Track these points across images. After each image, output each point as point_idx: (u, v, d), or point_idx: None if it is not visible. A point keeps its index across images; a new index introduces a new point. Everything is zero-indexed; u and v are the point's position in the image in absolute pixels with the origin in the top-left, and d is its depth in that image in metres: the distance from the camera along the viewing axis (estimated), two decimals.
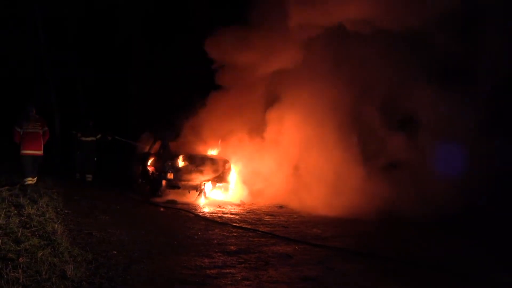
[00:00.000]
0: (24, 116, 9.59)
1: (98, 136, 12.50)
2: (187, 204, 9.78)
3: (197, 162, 10.68)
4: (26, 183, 9.43)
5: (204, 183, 10.44)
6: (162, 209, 9.12)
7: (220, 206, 9.75)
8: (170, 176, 10.37)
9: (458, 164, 8.90)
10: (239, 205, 10.10)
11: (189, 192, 10.49)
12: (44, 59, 16.35)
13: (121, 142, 13.26)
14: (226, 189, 11.02)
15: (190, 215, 8.51)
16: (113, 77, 18.96)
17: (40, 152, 9.64)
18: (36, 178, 9.78)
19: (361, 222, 8.53)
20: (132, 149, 13.39)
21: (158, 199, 10.04)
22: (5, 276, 3.98)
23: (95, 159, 12.47)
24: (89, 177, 12.28)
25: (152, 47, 18.83)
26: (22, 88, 18.00)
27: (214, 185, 10.77)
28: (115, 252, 5.30)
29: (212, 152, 11.70)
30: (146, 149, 12.23)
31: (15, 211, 6.87)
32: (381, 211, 8.85)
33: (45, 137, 9.76)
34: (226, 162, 11.10)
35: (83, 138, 12.36)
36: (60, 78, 17.31)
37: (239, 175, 11.38)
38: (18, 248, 4.89)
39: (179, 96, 16.95)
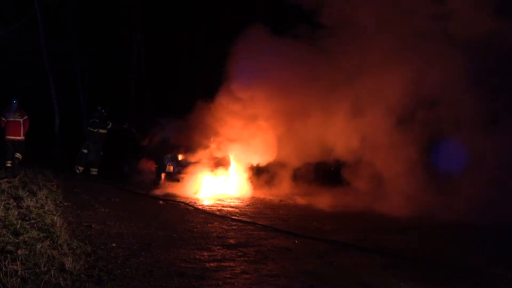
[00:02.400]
0: (7, 107, 11.18)
1: (109, 126, 11.99)
2: (187, 197, 9.76)
3: (197, 155, 10.65)
4: (7, 165, 10.88)
5: (204, 176, 10.42)
6: (161, 202, 9.11)
7: (219, 199, 9.74)
8: (170, 169, 10.36)
9: None
10: (238, 198, 10.09)
11: (188, 185, 10.47)
12: (44, 49, 16.26)
13: (134, 135, 12.83)
14: (226, 182, 11.00)
15: (190, 208, 8.51)
16: (113, 68, 18.85)
17: (20, 138, 11.14)
18: (17, 160, 11.09)
19: (360, 216, 8.54)
20: (130, 141, 13.27)
21: (157, 192, 10.03)
22: (3, 268, 3.97)
23: (101, 153, 12.06)
24: (94, 171, 11.74)
25: (153, 38, 18.77)
26: (22, 80, 17.97)
27: (214, 178, 10.74)
28: (114, 245, 5.29)
29: (213, 145, 11.65)
30: (146, 142, 12.18)
31: (14, 203, 6.86)
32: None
33: (25, 126, 11.21)
34: (226, 155, 11.08)
35: (101, 131, 11.60)
36: (60, 70, 17.22)
37: (239, 168, 11.35)
38: (17, 240, 4.89)
39: (181, 88, 16.99)
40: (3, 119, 11.00)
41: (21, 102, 11.38)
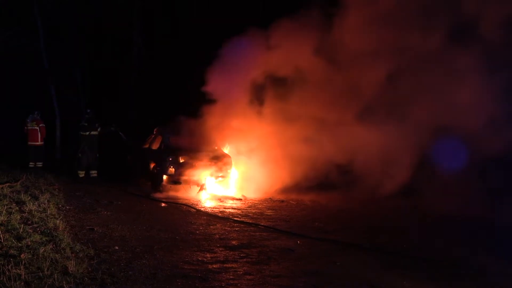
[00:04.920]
0: (28, 116, 13.02)
1: (99, 129, 12.10)
2: (189, 199, 9.77)
3: (198, 157, 10.66)
4: (29, 166, 12.60)
5: (206, 178, 10.42)
6: (163, 205, 9.11)
7: (221, 201, 9.74)
8: (171, 171, 10.36)
9: None
10: (240, 199, 10.09)
11: (190, 187, 10.48)
12: (43, 53, 16.30)
13: (121, 138, 12.99)
14: (227, 183, 11.01)
15: (192, 210, 8.51)
16: (112, 69, 18.88)
17: (38, 143, 12.89)
18: (41, 163, 12.86)
19: (362, 216, 8.56)
20: (131, 143, 13.32)
21: (159, 195, 10.03)
22: (7, 272, 3.98)
23: (97, 155, 12.24)
24: (94, 173, 11.93)
25: (152, 38, 18.81)
26: (22, 83, 18.03)
27: (215, 180, 10.75)
28: (117, 248, 5.31)
29: (214, 147, 11.67)
30: (147, 144, 12.20)
31: (17, 208, 6.87)
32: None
33: (42, 132, 12.98)
34: (227, 157, 11.08)
35: (93, 133, 11.87)
36: (60, 73, 17.26)
37: (240, 169, 11.36)
38: (20, 245, 4.89)
39: (180, 90, 16.98)
40: (25, 127, 12.92)
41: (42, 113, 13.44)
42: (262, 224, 7.27)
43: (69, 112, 17.10)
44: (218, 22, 17.72)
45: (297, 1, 11.26)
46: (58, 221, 6.19)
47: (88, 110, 12.23)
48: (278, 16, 10.85)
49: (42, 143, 12.99)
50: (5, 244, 4.85)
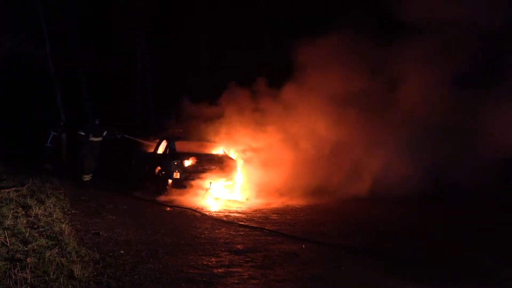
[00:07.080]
0: None
1: (104, 134, 12.15)
2: (194, 203, 9.77)
3: (203, 161, 10.68)
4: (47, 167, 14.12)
5: (211, 182, 10.43)
6: (168, 209, 9.13)
7: (226, 205, 9.74)
8: (176, 175, 10.38)
9: None
10: (245, 203, 10.09)
11: (195, 191, 10.49)
12: (49, 58, 16.43)
13: (130, 140, 13.08)
14: (232, 188, 11.01)
15: (197, 214, 8.52)
16: (117, 74, 19.01)
17: (47, 145, 14.55)
18: (49, 165, 14.15)
19: (367, 220, 8.53)
20: (136, 148, 13.39)
21: (164, 199, 10.05)
22: (13, 276, 4.00)
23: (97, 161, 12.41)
24: (88, 177, 12.09)
25: (156, 42, 18.94)
26: (28, 89, 18.16)
27: (220, 184, 10.76)
28: (122, 252, 5.31)
29: (219, 151, 11.70)
30: (152, 148, 12.24)
31: (23, 212, 6.91)
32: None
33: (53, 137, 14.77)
34: (232, 161, 11.10)
35: (94, 139, 12.05)
36: (65, 78, 17.39)
37: (245, 174, 11.36)
38: (26, 249, 4.92)
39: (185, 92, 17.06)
40: None
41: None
42: (267, 228, 7.27)
43: (75, 117, 17.23)
44: (221, 22, 17.86)
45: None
46: (64, 225, 6.21)
47: (97, 121, 12.38)
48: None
49: (50, 145, 14.44)
50: (12, 248, 4.88)
